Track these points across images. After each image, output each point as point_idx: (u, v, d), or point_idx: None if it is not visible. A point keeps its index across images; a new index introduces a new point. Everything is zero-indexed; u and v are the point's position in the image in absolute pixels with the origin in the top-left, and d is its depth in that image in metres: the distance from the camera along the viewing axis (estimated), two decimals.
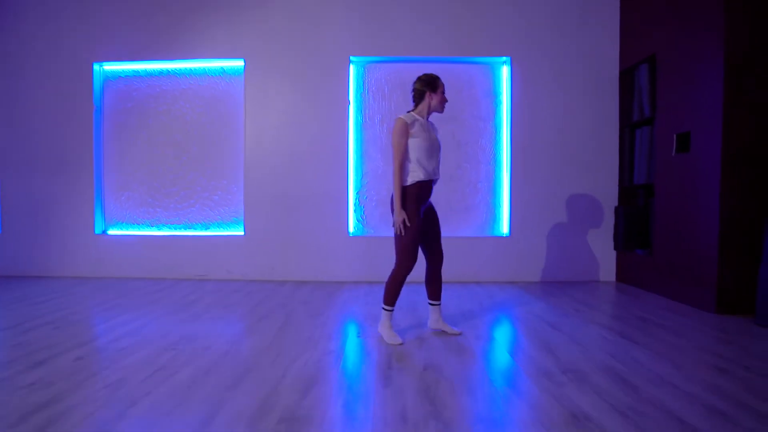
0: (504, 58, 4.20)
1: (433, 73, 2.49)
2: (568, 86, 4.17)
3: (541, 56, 4.17)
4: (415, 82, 2.45)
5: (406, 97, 4.24)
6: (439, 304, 2.57)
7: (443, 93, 2.44)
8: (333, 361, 2.14)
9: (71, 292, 3.65)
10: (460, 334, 2.51)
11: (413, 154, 2.35)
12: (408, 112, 2.44)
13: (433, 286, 2.55)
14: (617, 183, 4.19)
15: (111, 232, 4.45)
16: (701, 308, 3.08)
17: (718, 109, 2.94)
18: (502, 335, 2.57)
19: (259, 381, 1.89)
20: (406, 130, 2.33)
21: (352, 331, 2.63)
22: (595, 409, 1.62)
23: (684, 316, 2.95)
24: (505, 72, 4.26)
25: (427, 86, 2.41)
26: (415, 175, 2.36)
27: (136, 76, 4.40)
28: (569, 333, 2.56)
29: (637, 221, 3.98)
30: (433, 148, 2.41)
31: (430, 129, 2.44)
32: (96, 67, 4.33)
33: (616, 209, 4.12)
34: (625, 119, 4.13)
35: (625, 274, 4.10)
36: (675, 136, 3.38)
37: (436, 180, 2.47)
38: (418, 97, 2.45)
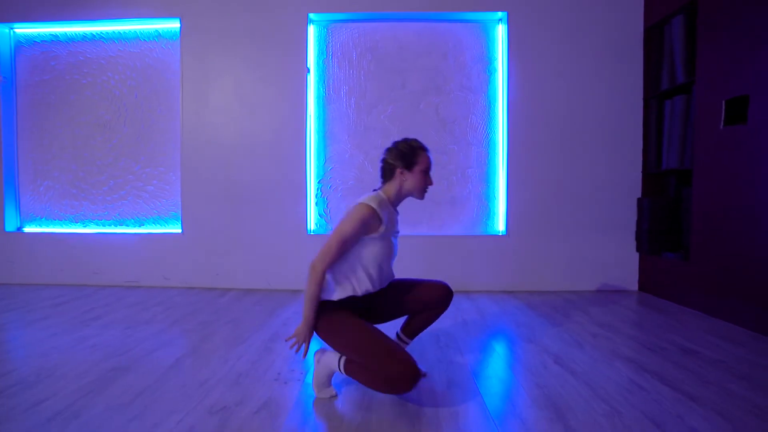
0: (499, 14, 3.38)
1: (417, 139, 1.66)
2: (579, 48, 3.34)
3: (545, 11, 3.34)
4: (385, 152, 1.67)
5: (378, 63, 3.46)
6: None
7: (425, 172, 1.63)
8: (213, 427, 1.37)
9: None
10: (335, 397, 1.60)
11: (365, 262, 1.58)
12: (375, 191, 1.66)
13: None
14: (641, 169, 3.36)
15: (27, 229, 3.72)
16: (757, 331, 2.27)
17: None
18: (485, 382, 1.78)
19: None
20: (370, 226, 1.55)
21: (274, 374, 1.85)
22: None
23: (746, 346, 2.13)
24: (500, 32, 3.45)
25: (400, 160, 1.62)
26: (350, 287, 1.58)
27: (55, 41, 3.66)
28: (585, 378, 1.76)
29: (666, 216, 3.15)
30: (391, 253, 1.66)
31: (395, 224, 1.68)
32: (4, 29, 3.59)
33: (640, 201, 3.29)
34: (651, 88, 3.29)
35: (649, 282, 3.27)
36: (724, 103, 2.55)
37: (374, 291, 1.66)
38: (386, 174, 1.66)
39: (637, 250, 3.36)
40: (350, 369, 1.51)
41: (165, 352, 2.06)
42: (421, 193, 1.66)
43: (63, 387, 1.67)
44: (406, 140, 1.66)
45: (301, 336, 1.55)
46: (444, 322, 2.55)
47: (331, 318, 1.55)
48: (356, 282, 1.59)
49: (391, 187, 1.65)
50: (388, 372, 1.38)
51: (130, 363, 1.92)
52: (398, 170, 1.62)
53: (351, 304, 1.60)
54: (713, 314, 2.62)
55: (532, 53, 3.36)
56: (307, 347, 1.57)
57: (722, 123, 2.56)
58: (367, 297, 1.65)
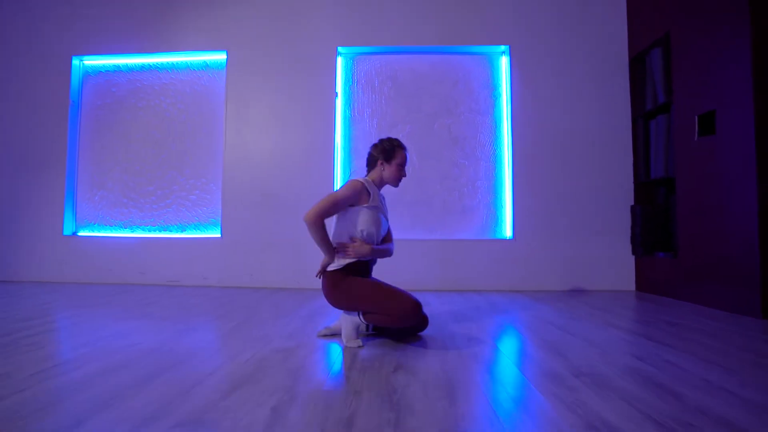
0: (502, 47, 3.91)
1: (398, 138, 2.16)
2: (574, 76, 3.84)
3: (543, 44, 3.86)
4: (371, 146, 2.11)
5: (397, 89, 3.97)
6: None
7: (401, 165, 2.05)
8: (280, 358, 1.72)
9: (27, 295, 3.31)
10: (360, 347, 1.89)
11: (360, 227, 1.95)
12: (365, 179, 2.05)
13: None
14: (632, 179, 3.76)
15: (81, 233, 4.14)
16: (744, 313, 2.58)
17: (747, 82, 2.55)
18: (500, 337, 2.11)
19: (175, 380, 1.47)
20: (360, 196, 1.95)
21: (314, 330, 2.20)
22: (622, 418, 1.17)
23: (723, 321, 2.45)
24: (504, 62, 3.96)
25: (381, 154, 2.05)
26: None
27: (117, 71, 4.23)
28: (582, 335, 2.10)
29: (657, 221, 3.52)
30: (380, 225, 2.01)
31: (382, 204, 2.08)
32: (75, 61, 4.16)
33: (633, 208, 3.67)
34: (638, 109, 3.75)
35: (646, 281, 3.60)
36: (696, 117, 2.98)
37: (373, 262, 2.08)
38: (370, 164, 2.09)
39: (633, 252, 3.70)
40: (369, 317, 1.91)
41: (222, 322, 2.41)
42: (395, 182, 2.06)
43: (145, 339, 2.03)
44: (389, 138, 2.08)
45: (324, 262, 1.96)
46: (458, 309, 2.89)
47: (342, 286, 1.92)
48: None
49: (374, 174, 2.06)
50: (397, 311, 1.81)
51: (196, 326, 2.27)
52: (379, 162, 2.04)
53: (354, 269, 1.96)
54: (702, 302, 2.94)
55: (532, 80, 3.85)
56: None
57: (696, 135, 2.98)
58: (365, 263, 2.00)
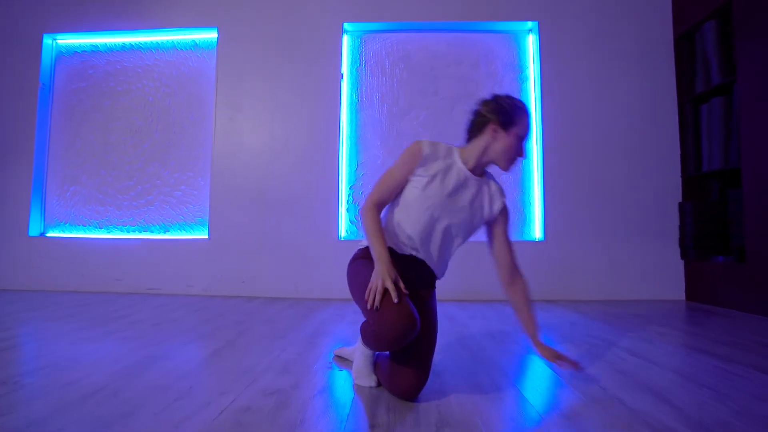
0: (530, 24, 3.45)
1: (520, 100, 1.38)
2: (611, 56, 3.38)
3: (575, 21, 3.41)
4: (479, 103, 1.41)
5: (410, 71, 3.50)
6: None
7: (520, 139, 1.35)
8: (270, 408, 1.23)
9: None
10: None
11: (406, 210, 1.38)
12: (447, 145, 1.42)
13: None
14: (680, 173, 3.29)
15: (50, 234, 3.64)
16: None
17: None
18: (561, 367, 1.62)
19: None
20: (414, 159, 1.36)
21: (316, 359, 1.71)
22: None
23: None
24: (531, 41, 3.50)
25: (497, 115, 1.34)
26: (388, 237, 1.40)
27: (95, 51, 3.75)
28: (666, 365, 1.61)
29: (711, 220, 3.05)
30: (445, 212, 1.37)
31: (463, 185, 1.39)
32: (47, 39, 3.69)
33: (682, 206, 3.20)
34: (686, 93, 3.29)
35: (698, 289, 3.11)
36: None
37: (424, 261, 1.42)
38: (474, 129, 1.39)
39: (682, 256, 3.22)
40: (362, 331, 1.31)
41: (202, 344, 1.92)
42: (508, 163, 1.37)
43: (97, 371, 1.54)
44: (509, 96, 1.38)
45: (377, 276, 1.22)
46: (489, 321, 2.40)
47: (355, 265, 1.42)
48: (394, 233, 1.39)
49: (476, 145, 1.37)
50: (377, 323, 1.18)
51: (165, 353, 1.78)
52: (491, 126, 1.34)
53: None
54: None
55: (563, 62, 3.39)
56: (394, 288, 1.19)
57: None
58: (404, 262, 1.38)
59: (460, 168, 1.38)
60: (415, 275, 1.40)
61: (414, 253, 1.39)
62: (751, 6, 2.66)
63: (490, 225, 1.46)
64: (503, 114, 1.33)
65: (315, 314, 2.59)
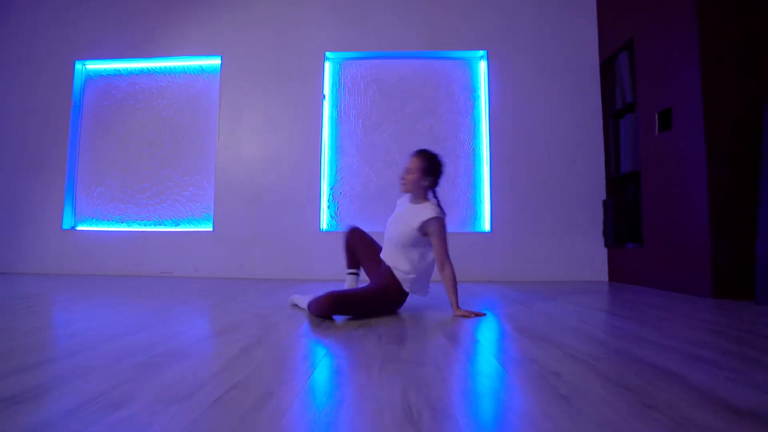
0: (481, 52, 4.14)
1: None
2: (548, 78, 4.06)
3: (519, 49, 4.10)
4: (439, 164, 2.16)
5: (381, 92, 4.19)
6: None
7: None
8: (255, 321, 1.89)
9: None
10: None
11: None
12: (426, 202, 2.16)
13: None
14: (604, 175, 3.96)
15: (80, 227, 4.33)
16: (698, 294, 2.75)
17: (696, 81, 2.76)
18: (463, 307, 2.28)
19: (158, 332, 1.65)
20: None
21: (283, 315, 2.37)
22: (548, 355, 1.34)
23: (678, 300, 2.61)
24: (482, 66, 4.19)
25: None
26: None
27: (117, 74, 4.46)
28: (539, 309, 2.26)
29: (627, 213, 3.70)
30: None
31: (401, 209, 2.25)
32: (78, 65, 4.40)
33: (605, 202, 3.86)
34: (609, 109, 3.97)
35: (618, 272, 3.76)
36: (656, 115, 3.19)
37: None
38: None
39: (605, 245, 3.87)
40: (311, 305, 1.96)
41: (208, 300, 2.58)
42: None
43: (134, 309, 2.21)
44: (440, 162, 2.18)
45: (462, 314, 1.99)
46: (433, 294, 3.06)
47: (386, 294, 2.03)
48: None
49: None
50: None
51: (187, 301, 2.44)
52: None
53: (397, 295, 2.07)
54: (665, 288, 3.10)
55: (508, 83, 4.07)
56: (475, 314, 2.00)
57: (656, 130, 3.18)
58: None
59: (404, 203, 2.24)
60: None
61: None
62: (646, 43, 3.34)
63: (425, 234, 2.07)
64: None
65: (294, 288, 3.25)
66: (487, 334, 1.64)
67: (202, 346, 1.42)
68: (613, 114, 3.91)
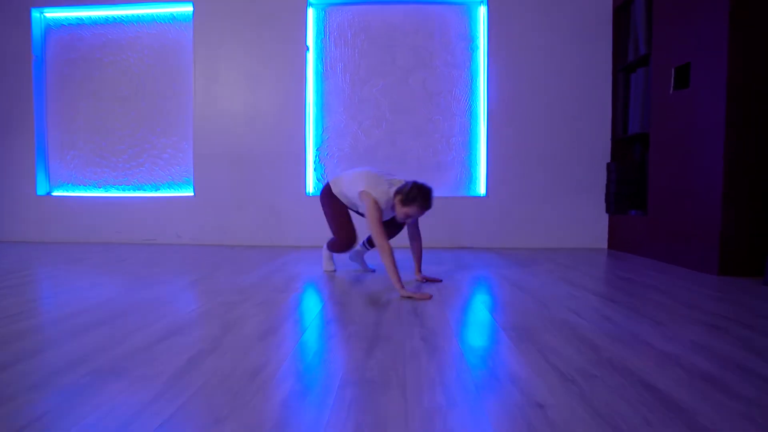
0: None
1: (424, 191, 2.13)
2: (555, 26, 3.66)
3: None
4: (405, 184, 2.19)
5: (370, 42, 3.81)
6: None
7: (407, 214, 2.16)
8: (223, 311, 1.74)
9: None
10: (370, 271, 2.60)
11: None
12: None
13: None
14: (610, 136, 3.67)
15: (56, 193, 4.13)
16: (702, 270, 2.59)
17: (722, 34, 2.42)
18: (450, 294, 2.13)
19: (117, 328, 1.50)
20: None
21: (264, 287, 2.22)
22: (531, 370, 1.18)
23: (679, 277, 2.45)
24: (482, 12, 3.77)
25: (401, 195, 2.16)
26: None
27: (81, 24, 4.06)
28: (531, 291, 2.11)
29: (631, 178, 3.47)
30: None
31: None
32: (35, 13, 3.99)
33: (608, 166, 3.61)
34: (619, 62, 3.60)
35: (618, 239, 3.60)
36: (673, 70, 2.86)
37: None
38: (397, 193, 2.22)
39: (606, 211, 3.68)
40: (328, 245, 2.52)
41: (182, 277, 2.44)
42: (401, 218, 2.21)
43: (104, 293, 2.06)
44: (420, 187, 2.14)
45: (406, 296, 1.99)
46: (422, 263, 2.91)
47: (332, 202, 2.40)
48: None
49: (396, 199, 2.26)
50: (337, 239, 2.38)
51: (153, 284, 2.30)
52: (398, 197, 2.15)
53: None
54: (665, 260, 2.94)
55: (510, 32, 3.68)
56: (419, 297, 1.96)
57: (671, 88, 2.87)
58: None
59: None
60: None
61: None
62: None
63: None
64: (405, 195, 2.12)
65: (281, 257, 3.10)
66: (472, 333, 1.49)
67: (144, 357, 1.27)
68: (623, 67, 3.55)
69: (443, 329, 1.52)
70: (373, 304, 1.84)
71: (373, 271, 2.61)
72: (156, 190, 4.07)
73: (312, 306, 1.84)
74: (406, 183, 2.16)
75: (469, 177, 3.85)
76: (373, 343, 1.36)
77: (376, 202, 2.14)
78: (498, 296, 2.01)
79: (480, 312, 1.74)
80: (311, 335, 1.45)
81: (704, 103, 2.59)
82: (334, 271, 2.59)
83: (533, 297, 1.98)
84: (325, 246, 2.59)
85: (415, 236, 2.37)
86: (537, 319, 1.63)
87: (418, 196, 2.10)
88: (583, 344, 1.36)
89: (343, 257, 2.90)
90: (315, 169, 3.92)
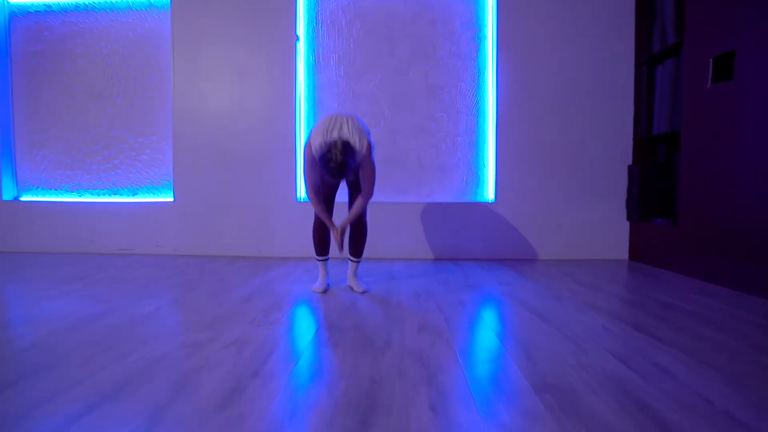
0: None
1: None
2: (570, 14, 3.30)
3: None
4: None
5: (367, 31, 3.45)
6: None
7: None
8: (181, 356, 1.41)
9: None
10: (362, 292, 2.28)
11: None
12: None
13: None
14: (632, 136, 3.32)
15: (24, 198, 3.78)
16: (752, 293, 2.25)
17: None
18: (458, 326, 1.79)
19: (37, 387, 1.16)
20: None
21: (241, 316, 1.88)
22: None
23: (730, 304, 2.11)
24: None
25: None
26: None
27: (48, 11, 3.69)
28: (558, 324, 1.77)
29: (656, 182, 3.13)
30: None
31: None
32: None
33: (630, 168, 3.26)
34: (643, 53, 3.25)
35: (641, 250, 3.26)
36: (711, 60, 2.51)
37: None
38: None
39: (628, 218, 3.33)
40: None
41: (148, 301, 2.10)
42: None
43: (41, 327, 1.72)
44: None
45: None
46: (425, 279, 2.57)
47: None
48: None
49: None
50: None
51: (111, 310, 1.96)
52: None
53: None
54: (701, 277, 2.61)
55: (522, 20, 3.32)
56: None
57: (709, 81, 2.52)
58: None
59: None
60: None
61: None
62: None
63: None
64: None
65: (268, 272, 2.77)
66: (497, 399, 1.16)
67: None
68: (648, 59, 3.20)
69: (458, 389, 1.18)
70: (368, 346, 1.51)
71: (366, 291, 2.29)
72: (134, 195, 3.72)
73: (294, 347, 1.51)
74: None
75: (477, 181, 3.50)
76: (367, 417, 1.02)
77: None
78: (520, 332, 1.67)
79: (502, 360, 1.40)
80: (284, 402, 1.11)
81: (751, 96, 2.24)
82: (324, 291, 2.30)
83: (561, 333, 1.64)
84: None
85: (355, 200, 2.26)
86: (574, 372, 1.29)
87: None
88: (644, 414, 1.02)
89: (338, 272, 2.56)
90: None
